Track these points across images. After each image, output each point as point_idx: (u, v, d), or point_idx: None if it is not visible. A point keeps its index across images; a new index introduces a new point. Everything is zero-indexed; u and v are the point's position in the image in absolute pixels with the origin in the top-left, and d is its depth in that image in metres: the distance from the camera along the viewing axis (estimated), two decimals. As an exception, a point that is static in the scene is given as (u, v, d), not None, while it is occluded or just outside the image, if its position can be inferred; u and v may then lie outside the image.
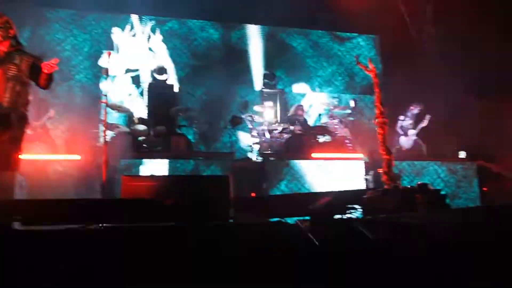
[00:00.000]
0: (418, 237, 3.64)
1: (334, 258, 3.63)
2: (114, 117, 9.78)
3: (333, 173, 8.69)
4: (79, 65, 10.96)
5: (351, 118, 10.61)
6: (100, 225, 3.65)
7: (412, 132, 10.35)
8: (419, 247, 3.54)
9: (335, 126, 10.01)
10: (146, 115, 10.00)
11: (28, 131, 7.64)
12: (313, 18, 11.96)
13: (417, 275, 3.43)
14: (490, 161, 9.54)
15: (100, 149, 6.65)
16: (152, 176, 7.17)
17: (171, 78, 10.98)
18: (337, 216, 4.38)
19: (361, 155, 9.14)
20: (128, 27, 11.27)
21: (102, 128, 7.08)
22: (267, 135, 9.61)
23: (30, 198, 5.03)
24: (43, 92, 8.02)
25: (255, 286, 3.42)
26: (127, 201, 4.41)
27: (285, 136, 9.61)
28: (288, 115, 10.60)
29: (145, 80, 10.78)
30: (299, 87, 12.45)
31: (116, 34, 11.08)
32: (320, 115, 10.95)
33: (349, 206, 4.48)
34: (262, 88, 11.37)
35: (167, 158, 8.28)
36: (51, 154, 8.47)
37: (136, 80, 10.89)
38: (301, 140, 9.44)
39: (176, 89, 10.80)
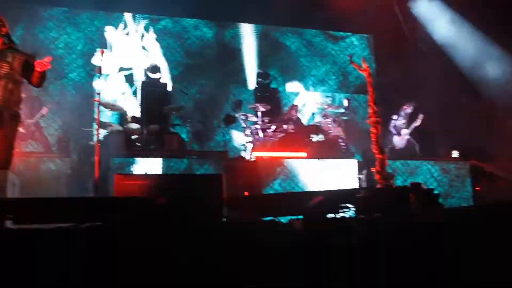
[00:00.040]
0: (410, 236, 3.65)
1: (327, 257, 3.64)
2: (107, 115, 9.77)
3: (326, 172, 8.71)
4: (72, 63, 10.92)
5: (344, 118, 10.62)
6: (92, 224, 3.63)
7: (405, 131, 10.37)
8: (411, 246, 3.55)
9: (329, 125, 10.02)
10: (139, 113, 9.98)
11: (21, 129, 7.66)
12: (307, 17, 11.95)
13: (410, 272, 3.44)
14: (483, 161, 9.58)
15: (93, 148, 6.62)
16: (145, 175, 7.16)
17: (165, 77, 10.96)
18: (330, 215, 4.39)
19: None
20: (121, 25, 11.24)
21: (95, 126, 7.05)
22: (261, 134, 9.61)
23: (22, 196, 5.00)
24: (36, 90, 8.02)
25: (249, 284, 3.43)
26: (120, 199, 4.39)
27: (279, 135, 9.61)
28: (285, 114, 10.61)
29: (139, 79, 10.76)
30: (292, 86, 12.46)
31: (110, 32, 11.05)
32: (313, 114, 10.96)
33: (342, 205, 4.49)
34: (256, 87, 11.36)
35: (160, 157, 8.27)
36: (44, 152, 8.48)
37: (129, 79, 10.87)
38: (294, 139, 9.46)
39: (169, 87, 10.78)
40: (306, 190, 8.37)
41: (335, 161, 8.95)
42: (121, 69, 10.87)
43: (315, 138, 9.80)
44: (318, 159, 8.86)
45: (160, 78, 10.56)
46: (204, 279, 3.39)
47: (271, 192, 8.27)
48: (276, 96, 11.38)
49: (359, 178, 8.82)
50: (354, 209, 4.74)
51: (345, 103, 10.37)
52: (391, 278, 3.55)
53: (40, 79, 5.56)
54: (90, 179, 7.24)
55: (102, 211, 3.92)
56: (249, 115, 9.82)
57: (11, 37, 5.69)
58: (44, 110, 9.05)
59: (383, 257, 3.65)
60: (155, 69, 10.49)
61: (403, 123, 10.45)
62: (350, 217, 4.44)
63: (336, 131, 10.00)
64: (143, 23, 11.43)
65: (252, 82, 11.77)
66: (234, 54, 12.12)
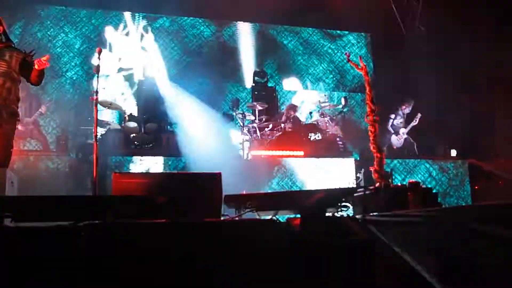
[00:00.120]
0: (407, 235, 3.65)
1: (325, 256, 3.64)
2: (105, 114, 9.77)
3: (324, 171, 8.72)
4: (70, 62, 10.93)
5: (340, 116, 10.63)
6: (91, 222, 3.63)
7: (403, 130, 10.38)
8: (409, 245, 3.55)
9: (326, 124, 10.03)
10: (137, 112, 9.99)
11: (19, 127, 7.66)
12: (304, 16, 11.96)
13: (407, 272, 3.44)
14: (482, 160, 9.60)
15: (91, 146, 6.63)
16: (143, 173, 7.17)
17: (162, 75, 10.96)
18: (328, 214, 4.39)
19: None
20: (120, 26, 11.26)
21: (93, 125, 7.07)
22: (258, 133, 9.62)
23: (20, 194, 5.00)
24: (34, 89, 8.03)
25: (246, 282, 3.43)
26: (118, 198, 4.39)
27: (276, 133, 9.62)
28: (282, 113, 10.62)
29: (138, 79, 10.77)
30: (290, 85, 12.47)
31: (109, 32, 11.07)
32: (311, 112, 10.97)
33: (340, 204, 4.49)
34: (253, 86, 11.37)
35: (158, 155, 8.28)
36: (43, 150, 8.50)
37: (129, 79, 10.90)
38: (292, 138, 9.46)
39: (167, 86, 10.77)
40: (304, 188, 8.38)
41: (332, 159, 8.96)
42: (120, 70, 10.89)
43: (312, 136, 9.82)
44: (316, 157, 8.87)
45: (157, 77, 10.55)
46: (203, 277, 3.40)
47: (269, 190, 8.28)
48: (273, 94, 11.38)
49: (357, 177, 8.83)
50: (352, 208, 4.75)
51: (343, 101, 10.36)
52: (387, 277, 3.56)
53: (38, 77, 5.57)
54: (88, 178, 7.25)
55: (101, 209, 3.91)
56: (246, 113, 9.83)
57: (9, 36, 5.69)
58: (43, 109, 9.06)
59: (380, 256, 3.66)
60: (152, 68, 10.49)
61: (401, 122, 10.47)
62: (348, 216, 4.44)
63: (333, 129, 10.00)
64: (142, 23, 11.44)
65: (249, 81, 11.78)
66: (231, 52, 12.13)
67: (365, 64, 5.91)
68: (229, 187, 4.83)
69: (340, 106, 10.59)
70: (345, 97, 10.48)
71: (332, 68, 12.89)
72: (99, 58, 5.96)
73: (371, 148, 5.53)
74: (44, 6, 10.92)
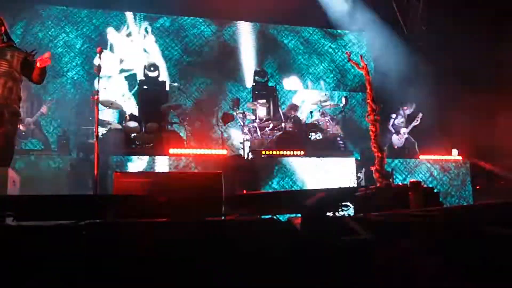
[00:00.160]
0: (410, 235, 3.65)
1: (326, 256, 3.64)
2: (106, 114, 9.78)
3: (325, 171, 8.72)
4: (71, 62, 10.95)
5: (342, 116, 10.63)
6: (92, 221, 3.64)
7: (404, 130, 10.36)
8: (410, 245, 3.56)
9: (327, 124, 10.02)
10: (138, 112, 10.00)
11: (21, 127, 7.68)
12: (304, 15, 11.96)
13: (409, 272, 3.44)
14: (483, 159, 9.59)
15: (92, 146, 6.64)
16: (144, 173, 7.18)
17: (163, 75, 10.97)
18: (329, 214, 4.39)
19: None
20: (122, 27, 11.29)
21: (94, 124, 7.08)
22: (258, 132, 9.62)
23: (22, 194, 5.01)
24: (35, 89, 8.04)
25: (247, 282, 3.44)
26: (119, 197, 4.40)
27: (277, 133, 9.62)
28: (283, 112, 10.62)
29: (139, 79, 10.79)
30: (290, 84, 12.47)
31: (111, 34, 11.10)
32: (311, 112, 10.97)
33: (341, 203, 4.49)
34: (253, 85, 11.38)
35: (159, 155, 8.29)
36: (44, 150, 8.53)
37: (130, 80, 10.93)
38: (292, 137, 9.46)
39: (167, 86, 10.79)
40: (305, 188, 8.38)
41: (333, 159, 8.95)
42: (122, 71, 10.92)
43: (313, 136, 9.82)
44: (316, 157, 8.87)
45: (158, 76, 10.56)
46: (203, 276, 3.40)
47: (269, 190, 8.28)
48: (274, 94, 11.39)
49: (358, 177, 8.83)
50: (353, 207, 4.75)
51: (343, 101, 10.35)
52: (389, 277, 3.55)
53: (40, 76, 5.57)
54: (89, 177, 7.26)
55: (102, 208, 3.92)
56: (247, 113, 9.83)
57: (10, 36, 5.70)
58: (44, 109, 9.07)
59: (382, 256, 3.66)
60: (153, 67, 10.49)
61: (402, 122, 10.44)
62: (349, 216, 4.44)
63: (334, 129, 10.00)
64: (142, 23, 11.47)
65: (249, 80, 11.78)
66: (231, 52, 12.15)
67: (365, 63, 5.91)
68: (229, 186, 4.84)
69: (341, 106, 10.58)
70: (345, 97, 10.47)
71: (333, 67, 12.90)
72: (100, 57, 5.98)
73: (372, 147, 5.53)
74: (45, 6, 10.94)
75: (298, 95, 12.29)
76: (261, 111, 10.05)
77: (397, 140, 10.37)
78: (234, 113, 9.84)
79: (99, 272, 3.29)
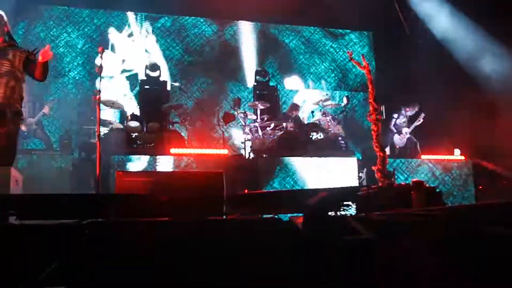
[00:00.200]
0: (412, 235, 3.65)
1: (328, 255, 3.64)
2: (107, 113, 9.79)
3: (326, 171, 8.71)
4: (73, 61, 10.97)
5: (343, 115, 10.62)
6: (94, 220, 3.65)
7: (406, 130, 10.34)
8: (412, 245, 3.55)
9: (328, 123, 10.01)
10: (139, 111, 10.01)
11: (23, 127, 7.70)
12: (305, 15, 11.95)
13: (411, 272, 3.45)
14: (486, 159, 9.56)
15: (94, 145, 6.65)
16: (146, 172, 7.18)
17: (164, 75, 10.98)
18: (331, 213, 4.39)
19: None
20: (123, 27, 11.30)
21: (95, 124, 7.09)
22: (260, 132, 9.62)
23: (25, 193, 5.02)
24: (37, 89, 8.05)
25: (249, 281, 3.44)
26: (122, 196, 4.41)
27: (278, 133, 9.62)
28: (284, 112, 10.62)
29: (140, 79, 10.80)
30: (291, 84, 12.47)
31: (112, 34, 11.11)
32: (312, 112, 10.96)
33: (343, 203, 4.49)
34: (255, 85, 11.37)
35: (160, 155, 8.29)
36: (46, 149, 8.54)
37: (131, 81, 10.94)
38: (294, 137, 9.46)
39: (168, 85, 10.79)
40: (306, 188, 8.38)
41: (334, 159, 8.95)
42: (123, 71, 10.93)
43: (314, 136, 9.81)
44: (318, 157, 8.87)
45: (159, 76, 10.57)
46: (205, 276, 3.41)
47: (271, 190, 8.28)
48: (275, 94, 11.39)
49: (360, 177, 8.82)
50: (355, 207, 4.74)
51: (345, 100, 10.34)
52: (391, 277, 3.55)
53: (43, 73, 5.53)
54: (91, 176, 7.27)
55: (104, 207, 3.93)
56: (248, 113, 9.83)
57: (12, 35, 5.70)
58: (46, 109, 9.09)
59: (383, 255, 3.66)
60: (154, 67, 10.51)
61: (404, 122, 10.42)
62: (351, 215, 4.44)
63: (335, 129, 9.99)
64: (143, 23, 11.48)
65: (250, 80, 11.78)
66: (232, 52, 12.15)
67: (367, 62, 5.92)
68: (230, 186, 4.85)
69: (342, 105, 10.56)
70: (347, 96, 10.46)
71: (334, 67, 12.89)
72: (101, 57, 5.98)
73: (374, 147, 5.53)
74: (47, 6, 10.95)
75: (299, 94, 12.29)
76: (262, 111, 10.05)
77: (399, 140, 10.35)
78: (235, 113, 9.84)
79: (101, 270, 3.30)
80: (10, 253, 3.23)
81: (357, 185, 8.46)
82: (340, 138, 9.79)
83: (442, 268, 3.32)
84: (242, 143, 9.81)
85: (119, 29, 11.34)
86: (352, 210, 4.72)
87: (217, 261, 3.46)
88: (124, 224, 3.69)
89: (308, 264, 3.58)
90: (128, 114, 9.48)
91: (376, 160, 5.59)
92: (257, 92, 11.15)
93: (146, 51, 11.44)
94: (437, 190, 5.06)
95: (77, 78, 10.90)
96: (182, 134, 9.50)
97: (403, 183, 5.89)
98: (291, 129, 9.76)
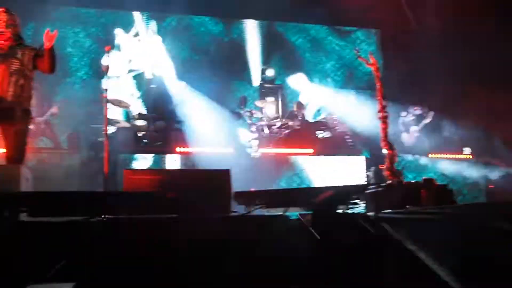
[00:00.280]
0: (422, 233, 3.64)
1: (336, 253, 3.64)
2: (115, 112, 9.81)
3: (333, 169, 8.70)
4: (80, 61, 11.02)
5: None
6: (104, 217, 3.67)
7: (414, 128, 10.29)
8: (422, 243, 3.54)
9: (335, 122, 9.99)
10: (146, 110, 10.04)
11: (31, 127, 7.72)
12: (311, 12, 11.92)
13: (419, 270, 3.43)
14: (496, 158, 9.51)
15: (102, 144, 6.67)
16: (153, 170, 7.21)
17: (170, 74, 11.00)
18: (340, 211, 4.38)
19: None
20: (130, 27, 11.32)
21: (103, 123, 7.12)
22: (266, 131, 9.61)
23: (35, 190, 5.05)
24: (45, 89, 8.06)
25: (257, 279, 3.44)
26: (130, 194, 4.43)
27: (284, 131, 9.61)
28: (290, 111, 10.62)
29: (146, 78, 10.82)
30: (298, 82, 12.44)
31: (119, 35, 11.14)
32: (319, 110, 10.94)
33: (352, 201, 4.48)
34: (261, 83, 11.36)
35: (167, 153, 8.32)
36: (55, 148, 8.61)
37: (138, 79, 10.96)
38: (300, 136, 9.45)
39: (175, 84, 10.80)
40: (314, 186, 8.37)
41: (342, 157, 8.93)
42: (130, 71, 10.97)
43: (321, 134, 9.79)
44: (325, 155, 8.85)
45: (166, 75, 10.59)
46: (213, 273, 3.41)
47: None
48: (281, 92, 11.38)
49: (367, 175, 8.80)
50: (364, 205, 4.73)
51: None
52: (399, 275, 3.55)
53: (51, 64, 5.49)
54: (99, 174, 7.29)
55: (113, 205, 3.95)
56: (254, 111, 9.83)
57: (21, 34, 5.71)
58: (55, 109, 9.13)
59: (393, 254, 3.65)
60: (161, 66, 10.53)
61: (412, 120, 10.37)
62: (360, 213, 4.43)
63: (342, 127, 9.96)
64: (150, 22, 11.49)
65: (257, 78, 11.77)
66: (239, 50, 12.13)
67: (375, 59, 5.88)
68: (237, 185, 4.85)
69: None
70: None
71: (341, 65, 12.85)
72: (108, 56, 5.99)
73: (383, 145, 5.51)
74: (55, 7, 10.96)
75: (306, 93, 12.27)
76: (269, 109, 10.05)
77: (407, 139, 10.31)
78: (241, 112, 9.84)
79: (109, 267, 3.32)
80: (22, 249, 3.26)
81: (366, 183, 8.44)
82: (347, 137, 9.76)
83: (452, 266, 3.30)
84: (248, 141, 9.80)
85: (126, 28, 11.36)
86: (361, 208, 4.71)
87: (224, 258, 3.47)
88: (132, 221, 3.71)
89: (316, 261, 3.58)
90: (135, 113, 9.50)
91: (384, 158, 5.56)
92: (263, 90, 11.15)
93: (153, 50, 11.42)
94: (448, 188, 5.01)
95: (84, 77, 10.95)
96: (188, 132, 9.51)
97: (413, 181, 5.87)
98: (298, 127, 9.74)
